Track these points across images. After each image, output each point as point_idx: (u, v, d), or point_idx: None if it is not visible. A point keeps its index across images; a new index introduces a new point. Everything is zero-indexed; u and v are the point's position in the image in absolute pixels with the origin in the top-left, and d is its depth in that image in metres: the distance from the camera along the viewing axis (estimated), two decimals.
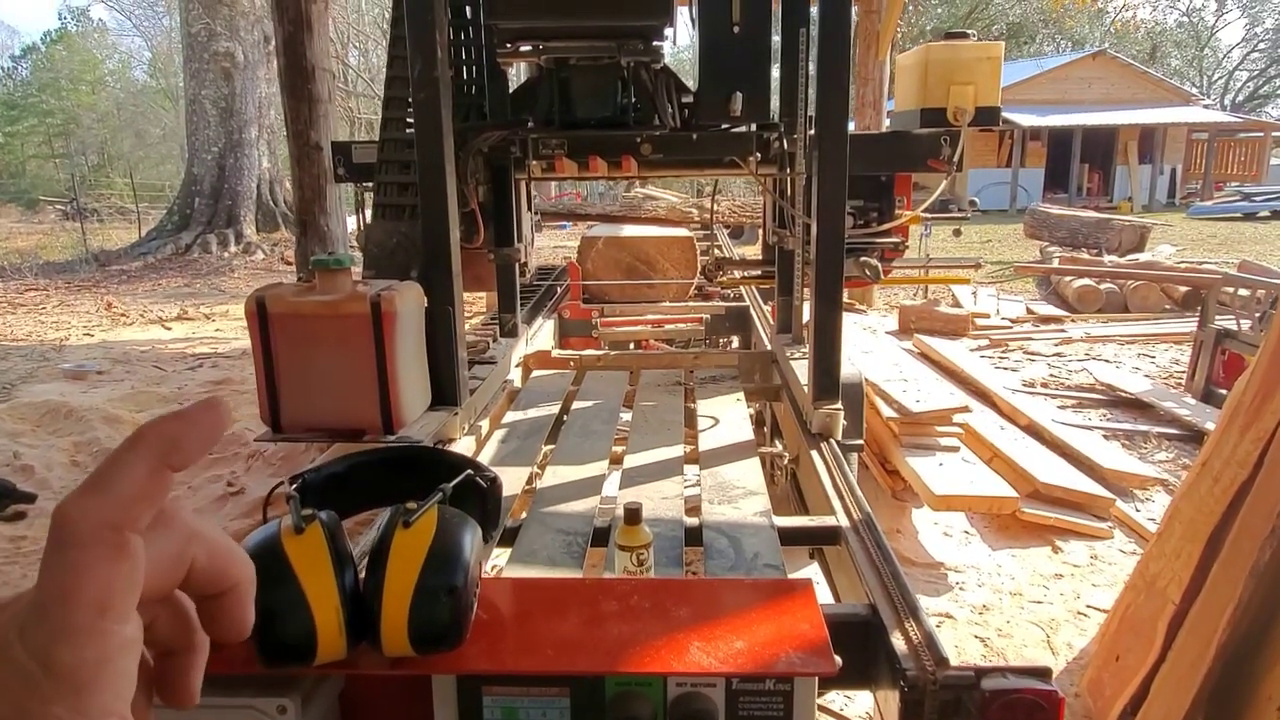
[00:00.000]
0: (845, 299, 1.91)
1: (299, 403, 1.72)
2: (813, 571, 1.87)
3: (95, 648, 0.31)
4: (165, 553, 0.35)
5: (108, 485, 0.34)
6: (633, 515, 1.22)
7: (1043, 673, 0.91)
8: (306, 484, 0.93)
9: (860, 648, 1.08)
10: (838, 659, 0.83)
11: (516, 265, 2.68)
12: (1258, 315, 4.61)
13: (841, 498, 1.53)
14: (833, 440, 1.82)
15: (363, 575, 0.81)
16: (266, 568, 0.76)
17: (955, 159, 2.20)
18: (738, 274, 3.07)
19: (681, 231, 4.44)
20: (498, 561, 1.47)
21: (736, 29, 2.10)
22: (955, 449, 3.59)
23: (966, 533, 3.36)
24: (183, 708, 0.38)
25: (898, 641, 1.01)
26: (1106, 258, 9.60)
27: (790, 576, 1.12)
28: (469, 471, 0.93)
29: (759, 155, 2.30)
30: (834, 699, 2.13)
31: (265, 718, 0.80)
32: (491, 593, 0.94)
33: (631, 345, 3.77)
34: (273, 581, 0.75)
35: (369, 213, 2.10)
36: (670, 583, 1.09)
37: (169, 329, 8.14)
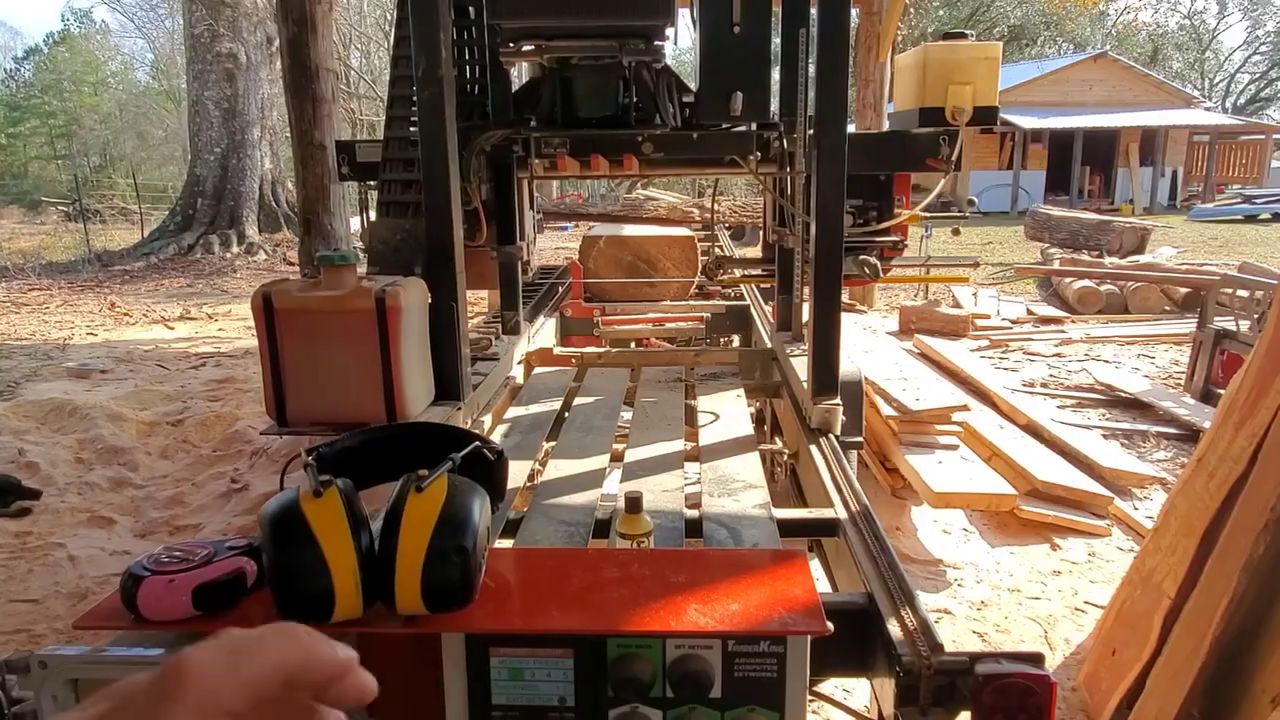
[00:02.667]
0: (845, 298, 1.93)
1: (304, 397, 1.74)
2: (812, 565, 1.88)
3: None
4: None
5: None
6: (634, 504, 1.23)
7: (1035, 658, 0.93)
8: (321, 456, 0.95)
9: (857, 636, 1.10)
10: (829, 624, 0.85)
11: (519, 263, 2.70)
12: (1256, 315, 4.62)
13: (840, 491, 1.55)
14: (832, 435, 1.84)
15: (377, 538, 0.83)
16: (286, 530, 0.79)
17: (954, 158, 2.21)
18: (738, 273, 3.09)
19: (682, 231, 4.47)
20: None
21: (737, 29, 2.11)
22: (954, 447, 3.61)
23: (965, 530, 3.37)
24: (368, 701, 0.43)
25: (894, 629, 1.02)
26: (1107, 259, 9.61)
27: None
28: (477, 443, 0.95)
29: (759, 154, 2.31)
30: (832, 690, 2.14)
31: None
32: (499, 562, 0.97)
33: (632, 343, 3.79)
34: (292, 543, 0.79)
35: (373, 212, 2.12)
36: (669, 552, 1.12)
37: (172, 329, 8.17)
